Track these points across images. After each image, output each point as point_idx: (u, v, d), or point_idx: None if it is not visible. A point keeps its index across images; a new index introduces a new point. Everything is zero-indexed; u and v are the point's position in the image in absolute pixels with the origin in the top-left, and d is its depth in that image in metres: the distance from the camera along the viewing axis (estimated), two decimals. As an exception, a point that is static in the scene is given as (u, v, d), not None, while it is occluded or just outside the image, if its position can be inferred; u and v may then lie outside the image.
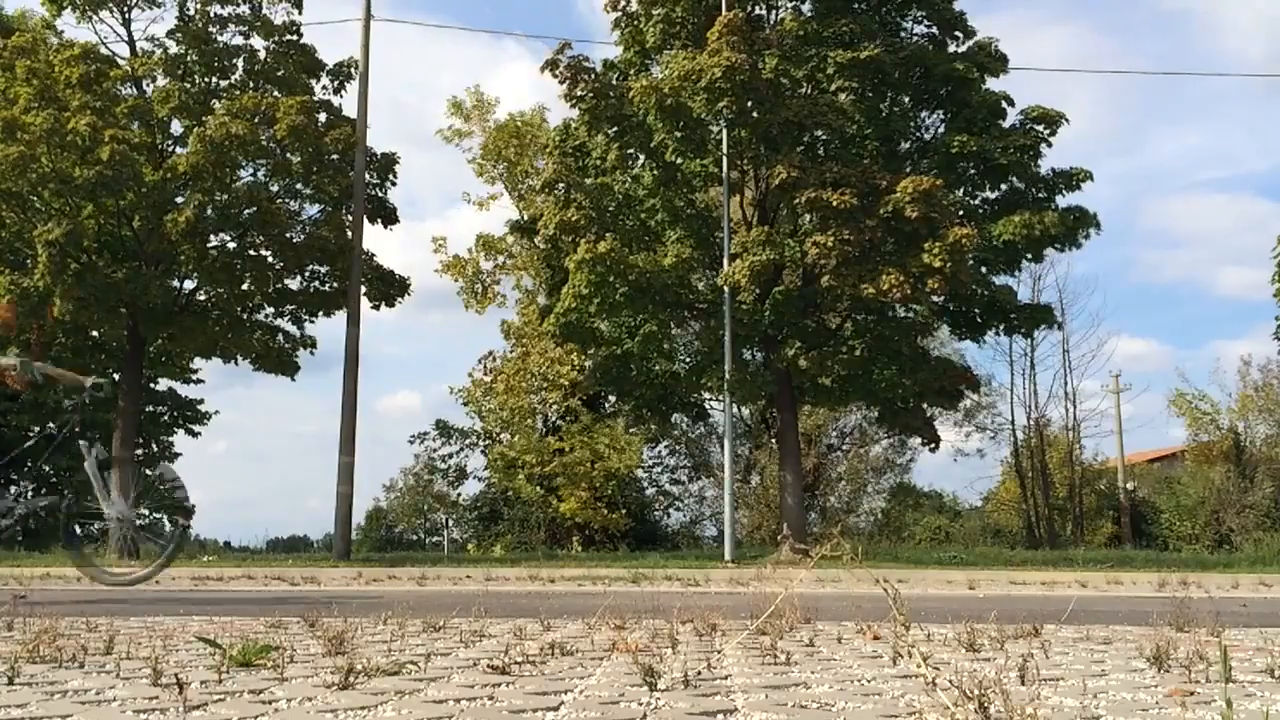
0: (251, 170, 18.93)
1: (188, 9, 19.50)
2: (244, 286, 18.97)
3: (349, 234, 18.65)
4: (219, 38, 19.46)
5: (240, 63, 19.56)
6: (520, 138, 29.56)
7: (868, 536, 28.89)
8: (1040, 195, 17.31)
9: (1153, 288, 64.22)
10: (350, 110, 19.62)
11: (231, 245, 18.87)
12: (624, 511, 27.47)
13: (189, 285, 19.26)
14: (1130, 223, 63.72)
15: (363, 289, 18.92)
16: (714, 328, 17.21)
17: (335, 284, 19.41)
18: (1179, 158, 73.98)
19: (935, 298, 16.54)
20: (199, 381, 26.84)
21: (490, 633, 3.42)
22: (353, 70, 19.86)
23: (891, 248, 15.57)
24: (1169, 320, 63.05)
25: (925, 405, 18.20)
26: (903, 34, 18.01)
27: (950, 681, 1.74)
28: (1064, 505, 30.57)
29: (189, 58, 19.21)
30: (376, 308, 20.08)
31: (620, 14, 18.49)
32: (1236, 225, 69.24)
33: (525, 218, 22.97)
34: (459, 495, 32.32)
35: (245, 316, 19.63)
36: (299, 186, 19.34)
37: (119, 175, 16.90)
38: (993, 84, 17.57)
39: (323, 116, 19.11)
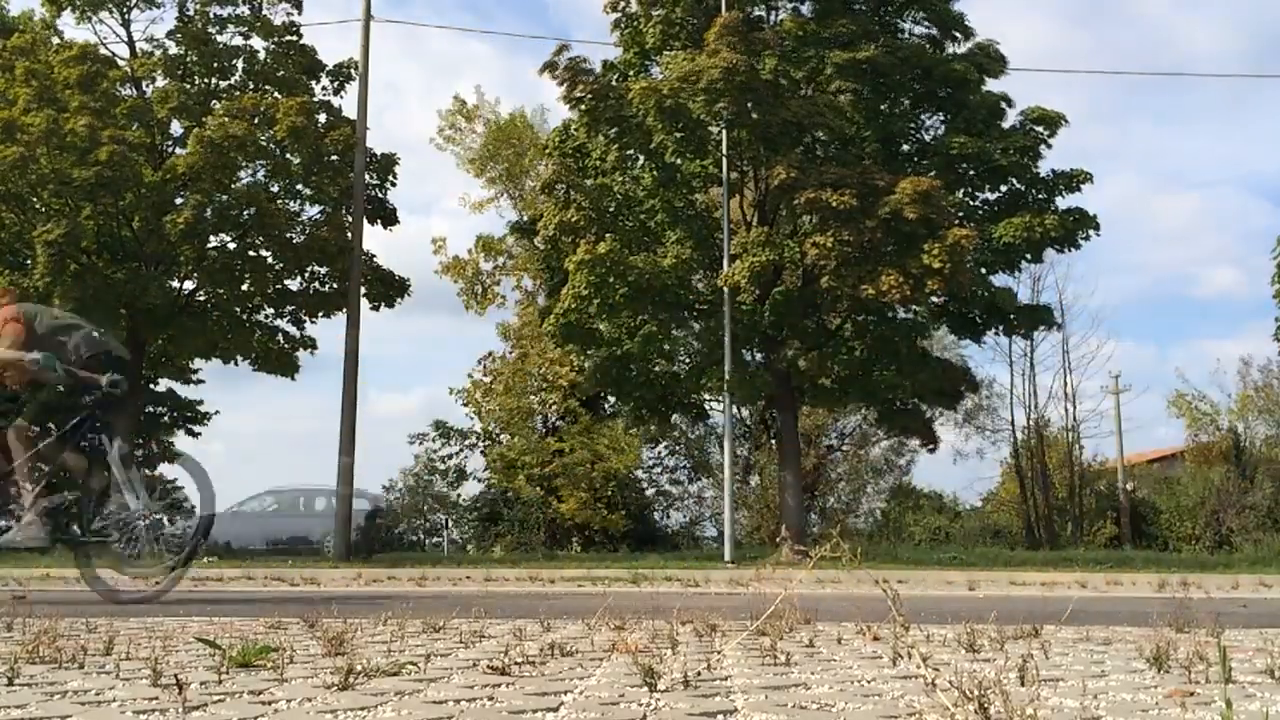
0: (251, 171, 18.94)
1: (187, 9, 19.50)
2: (244, 287, 18.98)
3: (349, 235, 18.66)
4: (219, 38, 19.47)
5: (240, 63, 19.57)
6: (508, 137, 29.57)
7: (867, 537, 28.83)
8: (1040, 196, 17.32)
9: (1142, 288, 64.03)
10: (350, 111, 19.65)
11: (231, 246, 18.87)
12: (624, 512, 27.46)
13: (189, 286, 19.28)
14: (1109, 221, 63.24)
15: (362, 290, 18.92)
16: (714, 328, 17.21)
17: (335, 285, 19.41)
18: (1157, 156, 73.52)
19: (935, 299, 16.55)
20: (199, 382, 26.82)
21: (490, 633, 3.42)
22: (352, 71, 19.87)
23: (891, 248, 15.57)
24: (1157, 320, 62.89)
25: (925, 406, 18.20)
26: (902, 35, 18.01)
27: (950, 682, 1.74)
28: (1063, 506, 30.56)
29: (189, 58, 19.22)
30: (376, 308, 20.10)
31: (620, 15, 18.50)
32: (1217, 225, 69.17)
33: (524, 218, 22.97)
34: (458, 496, 32.30)
35: (245, 317, 19.63)
36: (299, 187, 19.36)
37: (118, 176, 16.90)
38: (991, 84, 17.59)
39: (322, 117, 19.13)
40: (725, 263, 16.34)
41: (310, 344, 20.42)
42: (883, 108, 17.53)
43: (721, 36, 15.55)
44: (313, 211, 19.88)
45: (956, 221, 15.95)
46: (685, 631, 3.37)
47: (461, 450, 31.40)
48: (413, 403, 65.16)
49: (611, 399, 24.82)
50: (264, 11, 19.84)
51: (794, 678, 2.33)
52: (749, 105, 15.89)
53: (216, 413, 30.92)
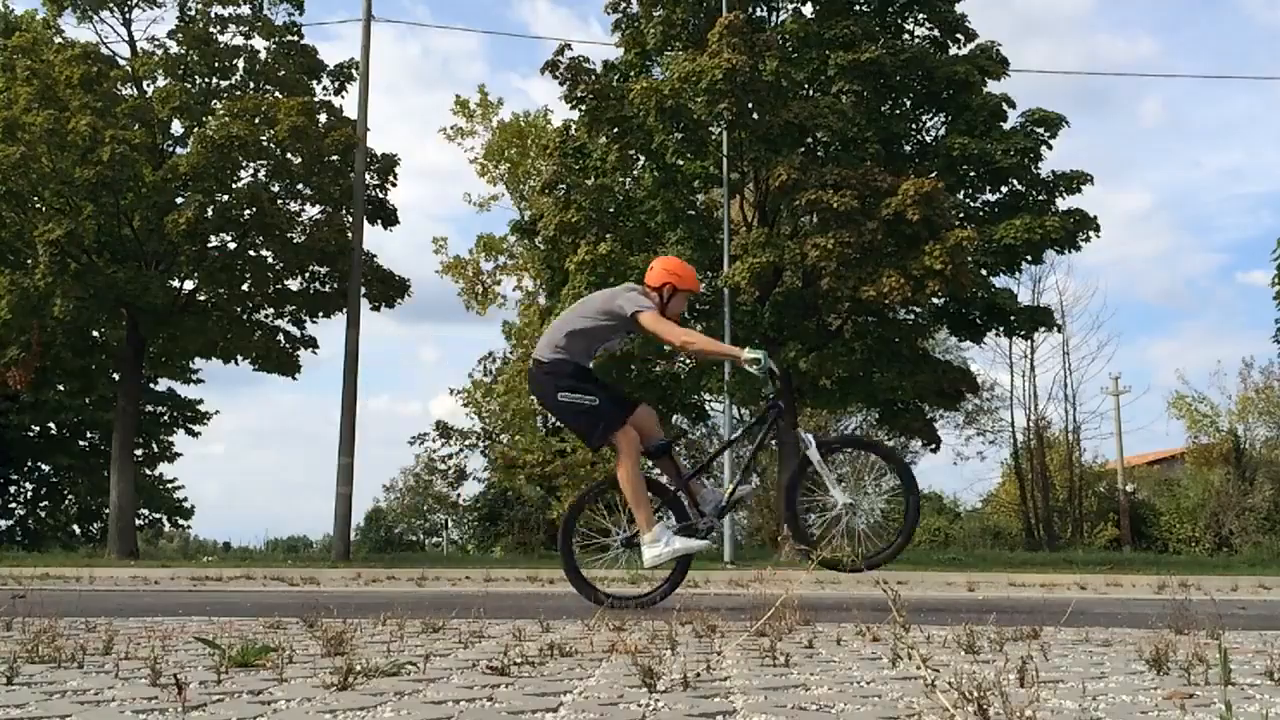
0: (252, 171, 18.96)
1: (188, 9, 19.53)
2: (244, 287, 18.98)
3: (349, 235, 18.66)
4: (220, 38, 19.48)
5: (241, 63, 19.59)
6: (523, 138, 29.58)
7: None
8: (1040, 198, 17.32)
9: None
10: (351, 111, 19.66)
11: (232, 246, 18.88)
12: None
13: (189, 285, 19.29)
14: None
15: (362, 290, 18.92)
16: (714, 329, 17.19)
17: (335, 285, 19.42)
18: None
19: (935, 300, 16.54)
20: (199, 381, 26.88)
21: (489, 634, 3.42)
22: (353, 71, 19.88)
23: (892, 250, 15.57)
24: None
25: (926, 407, 18.18)
26: (904, 36, 18.00)
27: (949, 683, 1.73)
28: (1064, 507, 30.57)
29: (190, 58, 19.23)
30: (376, 308, 20.11)
31: (621, 15, 18.50)
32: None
33: (526, 217, 22.97)
34: (459, 496, 32.31)
35: (245, 317, 19.64)
36: (299, 187, 19.37)
37: (119, 175, 16.92)
38: (991, 85, 17.59)
39: (323, 117, 19.13)
40: (725, 263, 16.33)
41: (311, 344, 20.44)
42: (884, 109, 17.52)
43: (723, 37, 15.54)
44: (313, 212, 19.90)
45: (957, 223, 15.94)
46: (685, 632, 3.36)
47: (462, 450, 31.44)
48: (413, 403, 65.23)
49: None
50: (264, 11, 19.86)
51: (793, 679, 2.33)
52: (750, 106, 15.89)
53: (216, 413, 31.07)
